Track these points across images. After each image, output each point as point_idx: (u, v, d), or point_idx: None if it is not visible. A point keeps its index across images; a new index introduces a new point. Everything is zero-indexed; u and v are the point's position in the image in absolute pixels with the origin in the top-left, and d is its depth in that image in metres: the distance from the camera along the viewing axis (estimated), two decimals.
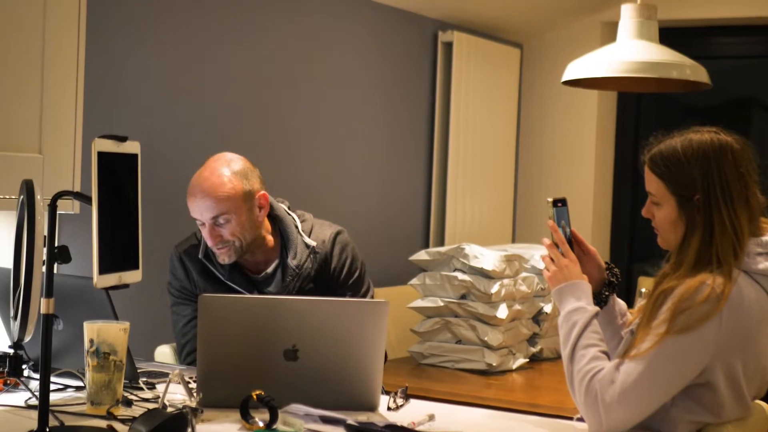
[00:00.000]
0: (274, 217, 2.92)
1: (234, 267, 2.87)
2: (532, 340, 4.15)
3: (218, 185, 2.78)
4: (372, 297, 3.06)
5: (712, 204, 2.10)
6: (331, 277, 2.95)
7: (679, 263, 2.12)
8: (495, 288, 3.86)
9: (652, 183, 2.20)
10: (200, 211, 2.78)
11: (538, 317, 4.17)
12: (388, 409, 2.41)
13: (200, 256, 2.87)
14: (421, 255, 4.07)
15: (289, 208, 2.98)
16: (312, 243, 2.88)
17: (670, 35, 4.22)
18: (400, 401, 2.45)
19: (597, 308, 2.19)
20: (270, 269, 2.88)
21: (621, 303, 2.40)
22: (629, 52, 3.35)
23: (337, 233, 2.98)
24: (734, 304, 2.04)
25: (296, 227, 2.90)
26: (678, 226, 2.15)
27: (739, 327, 2.05)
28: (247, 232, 2.82)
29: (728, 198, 2.09)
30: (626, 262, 5.72)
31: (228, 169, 2.81)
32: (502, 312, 3.86)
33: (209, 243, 2.80)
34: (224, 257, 2.83)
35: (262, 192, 2.87)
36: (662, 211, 2.18)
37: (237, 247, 2.81)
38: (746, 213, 2.11)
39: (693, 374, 2.05)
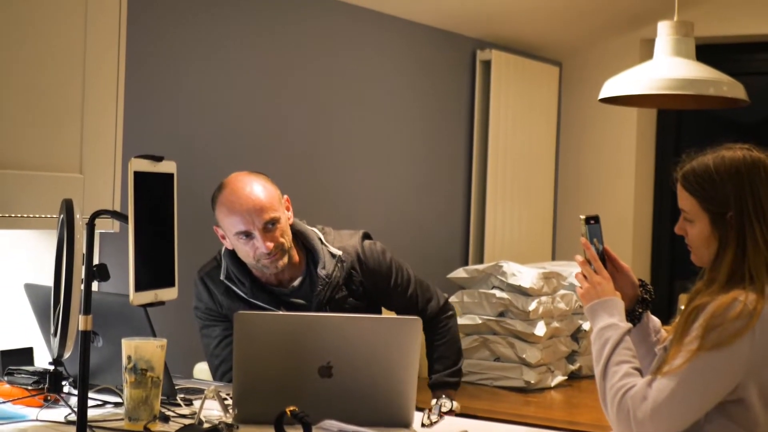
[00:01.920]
0: (295, 233, 2.95)
1: (256, 284, 2.90)
2: (570, 357, 4.14)
3: (261, 191, 2.83)
4: (436, 293, 3.12)
5: (745, 221, 2.10)
6: (380, 287, 2.99)
7: (712, 280, 2.12)
8: (533, 305, 3.86)
9: (685, 200, 2.20)
10: (251, 219, 2.79)
11: (576, 335, 4.16)
12: (422, 425, 2.42)
13: (222, 277, 2.90)
14: (459, 273, 4.08)
15: (307, 224, 3.02)
16: (337, 252, 2.91)
17: (708, 52, 4.21)
18: (434, 418, 2.46)
19: (629, 325, 2.19)
20: (297, 282, 2.91)
21: (655, 320, 2.39)
22: (666, 69, 3.34)
23: (363, 239, 3.00)
24: (767, 320, 2.03)
25: (319, 239, 2.94)
26: (711, 243, 2.15)
27: None
28: (288, 235, 2.87)
29: (761, 215, 2.09)
30: (667, 279, 5.68)
31: (257, 178, 2.88)
32: (540, 329, 3.86)
33: (263, 250, 2.79)
34: (277, 263, 2.83)
35: (285, 196, 2.93)
36: (695, 228, 2.18)
37: (287, 249, 2.85)
38: None
39: (725, 391, 2.04)
